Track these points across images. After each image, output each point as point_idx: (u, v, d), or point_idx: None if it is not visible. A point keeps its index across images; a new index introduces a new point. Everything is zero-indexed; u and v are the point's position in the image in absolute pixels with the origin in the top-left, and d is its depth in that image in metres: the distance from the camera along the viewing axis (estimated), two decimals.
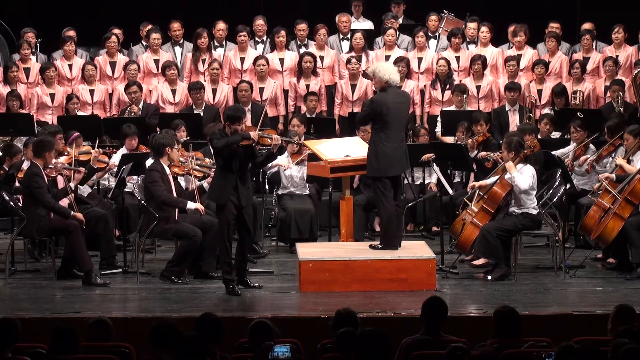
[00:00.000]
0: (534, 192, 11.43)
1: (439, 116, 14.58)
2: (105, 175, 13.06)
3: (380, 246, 11.19)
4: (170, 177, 11.57)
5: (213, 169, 12.27)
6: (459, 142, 13.32)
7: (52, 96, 14.84)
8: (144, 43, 15.78)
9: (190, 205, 11.39)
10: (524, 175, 11.30)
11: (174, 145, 11.62)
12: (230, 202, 10.62)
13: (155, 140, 11.70)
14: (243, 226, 10.80)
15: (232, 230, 10.83)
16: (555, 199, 11.68)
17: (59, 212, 11.31)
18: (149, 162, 11.98)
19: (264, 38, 15.70)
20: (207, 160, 12.45)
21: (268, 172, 13.13)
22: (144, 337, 7.11)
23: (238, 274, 10.86)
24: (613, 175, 11.63)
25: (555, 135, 13.86)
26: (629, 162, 11.96)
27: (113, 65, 15.33)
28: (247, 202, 10.73)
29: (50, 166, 11.49)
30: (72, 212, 11.31)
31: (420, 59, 15.33)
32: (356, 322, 7.57)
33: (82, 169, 11.84)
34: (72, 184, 11.62)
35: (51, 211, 11.29)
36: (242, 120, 10.69)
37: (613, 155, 12.60)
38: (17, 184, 11.78)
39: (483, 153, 12.77)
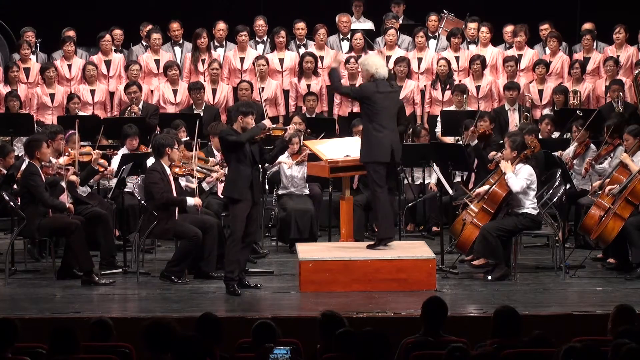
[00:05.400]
0: (534, 193, 11.43)
1: (439, 116, 14.58)
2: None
3: (375, 242, 11.17)
4: (171, 178, 11.55)
5: (214, 171, 12.29)
6: (459, 142, 13.31)
7: (52, 96, 14.83)
8: (144, 43, 15.77)
9: (190, 201, 11.49)
10: (518, 177, 11.30)
11: (174, 145, 11.61)
12: (245, 199, 10.63)
13: (156, 141, 11.71)
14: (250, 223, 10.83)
15: (243, 227, 10.76)
16: (555, 199, 11.68)
17: (57, 207, 11.33)
18: (149, 162, 11.98)
19: (264, 38, 15.70)
20: (211, 160, 12.46)
21: (268, 172, 13.12)
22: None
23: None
24: (616, 186, 11.58)
25: (555, 135, 13.86)
26: None
27: (108, 63, 15.33)
28: (258, 199, 10.85)
29: (47, 164, 11.47)
30: (67, 204, 11.35)
31: (420, 59, 15.33)
32: (342, 323, 7.53)
33: (72, 168, 11.83)
34: (63, 183, 11.61)
35: (49, 208, 11.29)
36: (253, 114, 10.87)
37: (612, 155, 12.60)
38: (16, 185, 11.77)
39: (493, 153, 12.61)
